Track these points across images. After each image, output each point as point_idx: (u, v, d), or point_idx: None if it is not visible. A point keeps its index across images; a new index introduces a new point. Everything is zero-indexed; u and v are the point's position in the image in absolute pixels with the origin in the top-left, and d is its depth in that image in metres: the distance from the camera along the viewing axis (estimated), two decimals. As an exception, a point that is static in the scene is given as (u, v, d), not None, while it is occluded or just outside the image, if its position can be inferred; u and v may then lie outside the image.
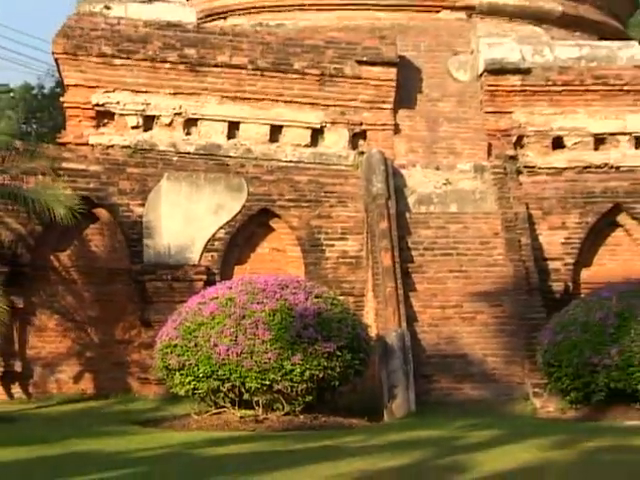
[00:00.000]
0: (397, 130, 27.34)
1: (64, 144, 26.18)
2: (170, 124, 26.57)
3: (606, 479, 14.98)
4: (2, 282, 22.19)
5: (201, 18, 28.28)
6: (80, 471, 15.88)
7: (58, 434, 19.35)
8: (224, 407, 20.56)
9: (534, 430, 19.20)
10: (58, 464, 16.64)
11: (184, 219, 25.32)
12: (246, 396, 20.29)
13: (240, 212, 25.54)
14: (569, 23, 30.87)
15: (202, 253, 25.18)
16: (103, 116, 26.44)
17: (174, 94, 26.65)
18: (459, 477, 15.19)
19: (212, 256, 25.23)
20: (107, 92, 26.43)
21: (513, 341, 23.63)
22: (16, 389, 24.43)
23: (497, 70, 27.51)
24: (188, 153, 26.25)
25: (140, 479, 15.35)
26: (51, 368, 24.92)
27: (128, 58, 26.57)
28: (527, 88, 27.49)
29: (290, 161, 26.54)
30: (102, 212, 25.33)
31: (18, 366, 24.47)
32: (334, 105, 27.12)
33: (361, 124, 27.17)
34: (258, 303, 20.40)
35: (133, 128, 26.43)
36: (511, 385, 22.92)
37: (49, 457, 17.33)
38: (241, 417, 20.31)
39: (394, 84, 27.20)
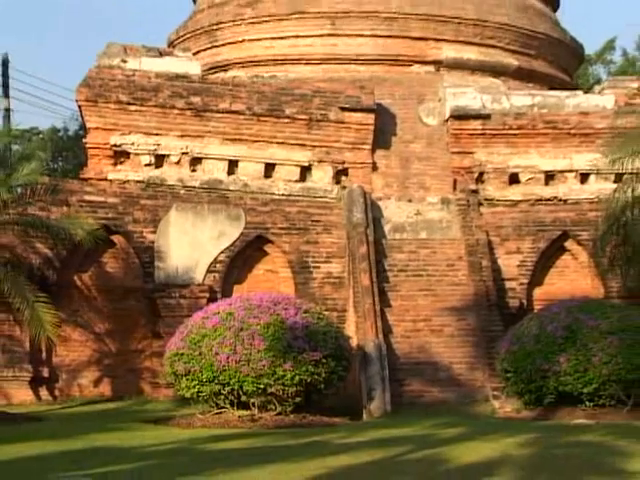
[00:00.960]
0: (375, 168, 27.38)
1: (86, 179, 26.19)
2: (178, 162, 26.60)
3: (559, 470, 15.01)
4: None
5: (205, 70, 28.31)
6: (99, 463, 15.88)
7: (80, 431, 19.33)
8: (224, 408, 20.58)
9: (494, 428, 19.26)
10: (80, 457, 16.65)
11: (190, 244, 25.31)
12: (243, 398, 20.33)
13: (238, 238, 25.53)
14: (523, 76, 30.98)
15: (206, 274, 25.18)
16: (120, 155, 26.47)
17: (181, 136, 26.68)
18: (435, 469, 15.25)
19: (214, 276, 25.22)
20: (123, 134, 26.45)
21: (475, 350, 23.64)
22: (43, 392, 24.38)
23: (461, 116, 27.58)
24: (194, 187, 26.27)
25: (152, 470, 15.37)
26: (74, 374, 24.88)
27: (142, 105, 26.61)
28: (487, 131, 27.57)
29: (282, 194, 26.56)
30: (119, 238, 25.31)
31: (45, 372, 24.49)
32: (320, 146, 27.16)
33: (343, 162, 27.21)
34: (254, 317, 20.47)
35: (146, 165, 26.45)
36: (473, 388, 22.92)
37: (72, 451, 17.32)
38: (239, 416, 20.34)
39: (372, 128, 27.27)
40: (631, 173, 23.90)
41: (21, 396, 23.95)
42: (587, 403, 20.97)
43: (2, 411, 21.91)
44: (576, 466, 15.17)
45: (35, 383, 24.28)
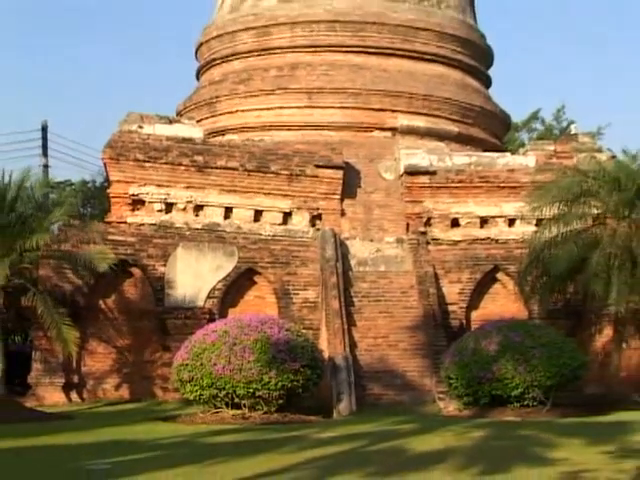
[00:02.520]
0: (343, 214, 27.35)
1: (109, 222, 26.12)
2: (184, 209, 26.52)
3: (495, 457, 14.98)
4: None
5: (206, 135, 28.28)
6: (119, 453, 15.83)
7: (103, 427, 19.34)
8: (221, 408, 20.52)
9: (441, 424, 19.30)
10: (103, 448, 16.64)
11: (193, 275, 25.24)
12: (236, 400, 20.30)
13: (233, 270, 25.49)
14: (463, 140, 31.06)
15: (206, 299, 25.11)
16: (137, 203, 26.38)
17: (187, 187, 26.63)
18: (396, 457, 15.22)
19: (213, 301, 25.15)
20: (140, 186, 26.39)
21: (424, 361, 23.60)
22: (74, 395, 24.26)
23: (413, 172, 27.59)
24: (196, 229, 26.20)
25: (162, 460, 15.29)
26: (99, 380, 24.75)
27: (155, 162, 26.57)
28: (434, 185, 27.58)
29: (268, 235, 26.51)
30: (136, 270, 25.24)
31: (75, 379, 24.40)
32: (299, 196, 27.13)
33: (318, 209, 27.17)
34: (245, 334, 20.46)
35: (158, 211, 26.37)
36: (423, 392, 22.87)
37: (96, 442, 17.32)
38: (233, 415, 20.30)
39: (341, 182, 27.26)
40: (548, 218, 24.00)
41: (55, 398, 23.82)
42: (515, 404, 21.01)
43: (39, 410, 21.81)
44: (508, 455, 15.17)
45: (67, 388, 24.18)
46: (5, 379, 21.66)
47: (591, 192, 23.64)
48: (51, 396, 23.87)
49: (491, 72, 34.22)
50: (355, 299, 25.09)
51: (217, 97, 31.36)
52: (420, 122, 30.33)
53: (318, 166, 27.21)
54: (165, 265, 25.25)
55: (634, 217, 23.03)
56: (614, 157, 27.46)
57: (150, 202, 26.45)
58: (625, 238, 22.52)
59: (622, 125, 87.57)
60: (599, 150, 28.78)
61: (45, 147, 45.75)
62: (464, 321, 25.63)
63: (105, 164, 27.22)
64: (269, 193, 27.05)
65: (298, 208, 27.16)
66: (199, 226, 26.34)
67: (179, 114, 31.73)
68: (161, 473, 13.82)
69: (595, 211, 23.72)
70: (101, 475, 13.60)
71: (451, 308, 25.63)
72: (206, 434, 18.26)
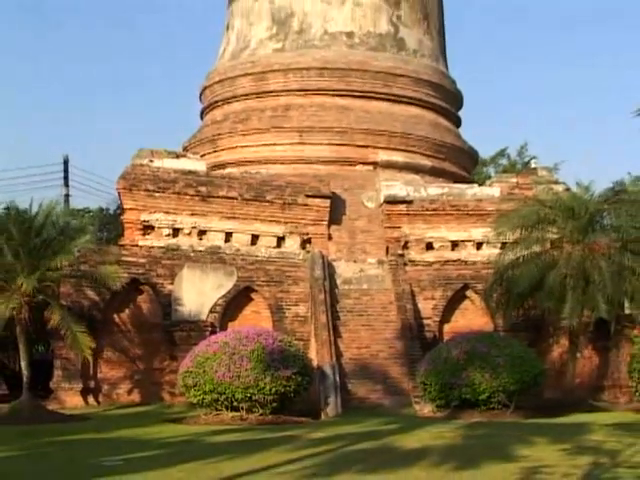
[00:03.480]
0: (330, 238, 27.35)
1: (123, 245, 26.09)
2: (189, 233, 26.49)
3: (466, 454, 14.99)
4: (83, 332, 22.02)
5: (209, 168, 28.29)
6: (131, 450, 15.82)
7: (117, 427, 19.30)
8: (221, 410, 20.45)
9: (418, 425, 19.30)
10: (117, 445, 16.64)
11: (197, 293, 25.18)
12: (235, 403, 20.26)
13: (232, 288, 25.44)
14: (436, 173, 31.14)
15: (208, 314, 25.05)
16: (147, 228, 26.35)
17: (192, 215, 26.61)
18: (381, 454, 15.26)
19: (215, 316, 25.09)
20: (150, 213, 26.37)
21: (402, 369, 23.59)
22: (90, 399, 24.16)
23: (392, 201, 27.64)
24: (200, 251, 26.17)
25: (169, 456, 15.28)
26: (113, 385, 24.66)
27: (163, 192, 26.56)
28: (410, 213, 27.62)
29: (264, 257, 26.49)
30: (146, 288, 25.18)
31: (92, 384, 24.31)
32: (291, 222, 27.14)
33: (307, 234, 27.18)
34: (243, 345, 20.45)
35: (166, 236, 26.32)
36: (401, 396, 22.84)
37: (111, 441, 17.33)
38: (232, 417, 20.24)
39: (328, 210, 27.27)
40: (511, 242, 24.09)
41: (74, 402, 23.73)
42: (482, 407, 21.02)
43: (60, 412, 21.76)
44: (477, 452, 15.22)
45: (84, 392, 24.07)
46: (30, 385, 21.57)
47: (549, 219, 23.74)
48: (70, 400, 23.78)
49: (462, 113, 34.38)
50: (341, 314, 25.08)
51: (219, 135, 31.40)
52: (398, 157, 30.40)
53: (308, 196, 27.22)
54: (172, 283, 25.21)
55: (587, 242, 23.12)
56: (568, 189, 27.57)
57: (159, 227, 26.42)
58: (579, 260, 22.60)
59: (577, 161, 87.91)
60: (556, 182, 28.86)
61: (66, 178, 45.82)
62: (437, 333, 25.60)
63: (119, 193, 27.19)
64: (264, 220, 27.05)
65: (290, 233, 27.17)
66: (202, 249, 26.31)
67: (185, 149, 31.75)
68: (169, 469, 13.83)
69: (552, 236, 23.81)
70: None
71: (426, 322, 25.61)
72: (208, 434, 18.23)
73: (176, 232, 26.52)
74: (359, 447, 16.07)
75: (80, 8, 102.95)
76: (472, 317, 26.24)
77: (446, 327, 26.05)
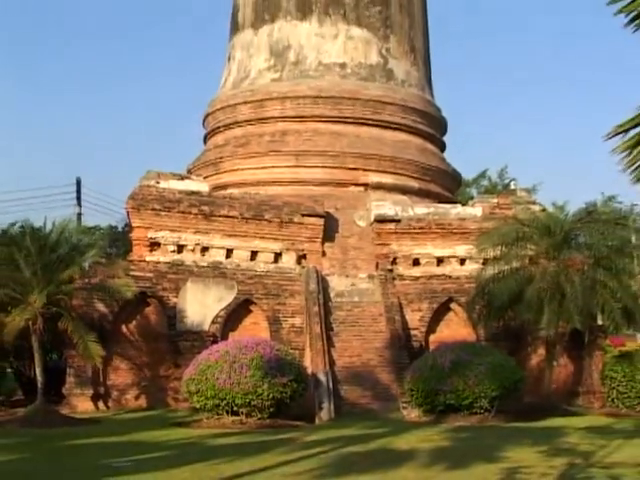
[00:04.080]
0: (324, 254, 27.37)
1: (131, 260, 26.06)
2: (193, 250, 26.48)
3: (452, 455, 15.01)
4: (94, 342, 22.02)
5: (211, 189, 28.32)
6: (138, 452, 15.82)
7: (125, 430, 19.28)
8: (222, 415, 20.41)
9: (405, 429, 19.37)
10: (125, 447, 16.64)
11: (200, 305, 25.17)
12: (235, 408, 20.22)
13: (232, 301, 25.43)
14: (423, 194, 31.16)
15: (210, 324, 25.03)
16: (154, 245, 26.33)
17: (195, 232, 26.60)
18: (372, 455, 15.29)
19: (216, 326, 25.06)
20: (156, 231, 26.36)
21: (391, 376, 23.59)
22: (100, 404, 24.06)
23: (381, 220, 27.68)
24: (203, 267, 26.16)
25: (174, 458, 15.28)
26: (122, 391, 24.57)
27: (169, 211, 26.56)
28: (398, 231, 27.67)
29: (262, 272, 26.48)
30: (153, 300, 25.16)
31: (102, 390, 24.21)
32: (287, 239, 27.16)
33: (303, 250, 27.20)
34: (242, 354, 20.45)
35: (171, 252, 26.32)
36: (390, 402, 22.81)
37: (120, 443, 17.28)
38: (232, 421, 20.20)
39: (322, 228, 27.31)
40: (492, 258, 24.13)
41: (85, 407, 23.64)
42: (465, 412, 21.00)
43: (72, 417, 21.73)
44: (462, 453, 15.29)
45: (95, 398, 23.97)
46: (44, 390, 21.55)
47: (527, 237, 23.79)
48: (82, 405, 23.68)
49: (447, 138, 34.45)
50: (334, 324, 25.09)
51: (221, 158, 31.44)
52: (387, 179, 30.44)
53: (303, 215, 27.26)
54: (177, 296, 25.20)
55: (562, 258, 23.16)
56: (545, 209, 27.67)
57: (165, 244, 26.42)
58: (554, 275, 22.65)
59: (553, 183, 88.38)
60: (534, 203, 28.95)
61: (79, 199, 45.86)
62: (423, 343, 25.60)
63: (128, 213, 27.21)
64: (263, 237, 27.05)
65: (287, 249, 27.19)
66: (205, 264, 26.30)
67: (189, 172, 31.79)
68: (174, 470, 13.85)
69: (530, 253, 23.85)
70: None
71: (413, 332, 25.63)
72: (210, 437, 18.24)
73: (181, 248, 26.51)
74: (351, 449, 16.09)
75: (96, 35, 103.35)
76: (456, 328, 26.26)
77: (432, 337, 26.05)
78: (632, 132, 7.15)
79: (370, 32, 31.82)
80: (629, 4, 7.07)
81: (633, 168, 7.15)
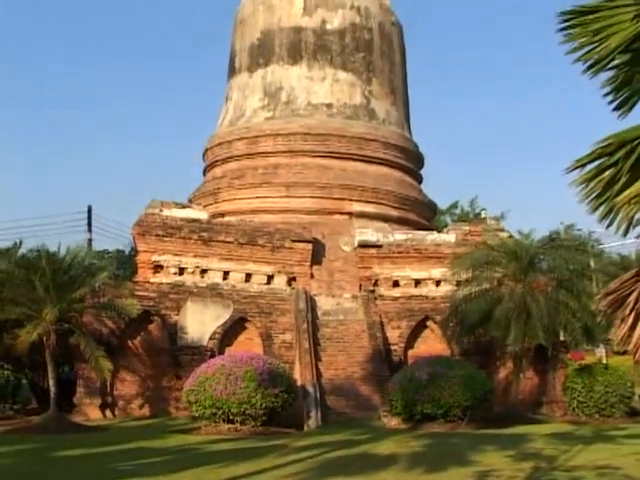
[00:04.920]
0: (312, 276, 27.41)
1: (136, 282, 26.05)
2: (193, 272, 26.50)
3: (428, 458, 15.00)
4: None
5: (210, 216, 28.35)
6: (143, 456, 15.76)
7: (131, 437, 19.20)
8: (219, 423, 20.32)
9: (387, 435, 19.34)
10: (131, 453, 16.56)
11: (199, 322, 25.14)
12: (231, 417, 20.16)
13: (229, 319, 25.40)
14: (402, 221, 31.26)
15: (209, 340, 24.98)
16: (157, 267, 26.36)
17: (195, 256, 26.64)
18: (356, 459, 15.27)
19: (214, 342, 25.00)
20: (160, 255, 26.39)
21: (372, 388, 23.58)
22: (108, 412, 23.95)
23: (364, 245, 27.76)
24: (202, 287, 26.15)
25: (175, 462, 15.24)
26: (127, 401, 24.48)
27: (171, 237, 26.61)
28: (380, 255, 27.73)
29: (256, 292, 26.49)
30: (156, 318, 25.09)
31: (109, 400, 24.13)
32: (279, 263, 27.21)
33: (293, 273, 27.24)
34: (237, 367, 20.41)
35: (173, 274, 26.34)
36: (372, 411, 22.79)
37: (125, 449, 17.20)
38: (228, 428, 20.11)
39: (310, 252, 27.37)
40: (464, 280, 24.20)
41: (94, 415, 23.56)
42: (441, 419, 21.00)
43: (82, 424, 21.66)
44: (437, 457, 15.28)
45: (103, 407, 23.89)
46: (56, 400, 21.49)
47: (496, 261, 23.89)
48: (91, 413, 23.60)
49: (424, 171, 34.64)
50: (321, 340, 25.07)
51: (219, 189, 31.52)
52: (370, 208, 30.56)
53: (293, 241, 27.33)
54: (178, 314, 25.17)
55: (528, 280, 23.25)
56: (511, 236, 27.79)
57: (167, 267, 26.44)
58: (521, 296, 22.73)
59: (520, 211, 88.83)
60: (502, 230, 29.10)
61: (89, 225, 45.80)
62: (402, 357, 25.60)
63: (134, 238, 27.26)
64: (256, 261, 27.10)
65: (278, 272, 27.22)
66: (204, 285, 26.30)
67: (190, 201, 31.84)
68: (175, 473, 13.81)
69: (499, 275, 23.93)
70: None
71: (393, 347, 25.63)
72: (208, 443, 18.18)
73: (181, 271, 26.53)
74: (337, 454, 16.09)
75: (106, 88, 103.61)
76: (432, 344, 26.25)
77: (410, 352, 26.03)
78: (589, 167, 7.24)
79: (354, 76, 32.06)
80: (585, 54, 7.18)
81: (589, 199, 7.23)
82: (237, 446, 17.51)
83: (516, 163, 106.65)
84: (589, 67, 7.26)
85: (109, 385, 24.15)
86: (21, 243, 23.80)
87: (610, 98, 7.41)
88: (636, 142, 7.03)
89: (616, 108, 7.42)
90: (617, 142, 7.12)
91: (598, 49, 7.12)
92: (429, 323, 26.51)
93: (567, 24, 7.17)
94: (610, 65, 7.22)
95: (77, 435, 19.70)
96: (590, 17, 7.08)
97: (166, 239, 26.62)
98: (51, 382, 21.65)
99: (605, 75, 7.32)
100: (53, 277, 21.44)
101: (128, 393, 24.62)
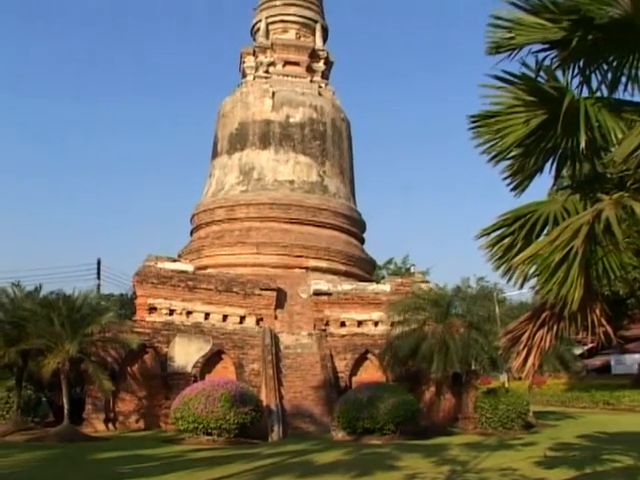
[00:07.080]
0: (276, 318, 27.42)
1: (135, 320, 25.87)
2: (180, 313, 26.39)
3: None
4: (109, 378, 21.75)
5: (195, 269, 28.32)
6: (138, 462, 15.54)
7: (127, 445, 18.92)
8: (199, 435, 20.08)
9: (334, 445, 19.23)
10: (127, 458, 16.32)
11: (185, 354, 24.96)
12: (209, 430, 19.95)
13: (209, 351, 25.25)
14: (348, 274, 31.44)
15: (192, 368, 24.77)
16: (152, 309, 26.21)
17: (182, 300, 26.55)
18: (310, 465, 15.18)
19: (196, 369, 24.78)
20: (154, 299, 26.26)
21: (324, 408, 23.52)
22: (110, 425, 23.54)
23: (318, 293, 27.87)
24: (187, 326, 26.00)
25: (164, 467, 15.06)
26: (126, 416, 24.10)
27: (164, 285, 26.52)
28: (330, 301, 27.83)
29: (231, 330, 26.37)
30: (150, 349, 24.84)
31: (112, 415, 23.73)
32: (250, 307, 27.20)
33: (260, 315, 27.23)
34: (215, 390, 20.29)
35: (164, 314, 26.20)
36: (323, 426, 22.70)
37: (124, 455, 16.94)
38: (207, 439, 19.90)
39: (275, 298, 27.42)
40: (397, 322, 24.35)
41: (100, 427, 23.15)
42: (378, 433, 20.93)
43: (89, 435, 21.31)
44: (373, 463, 15.24)
45: (106, 421, 23.50)
46: (69, 415, 21.14)
47: (421, 307, 24.07)
48: (97, 426, 23.20)
49: (366, 234, 34.98)
50: (283, 369, 24.99)
51: (202, 246, 31.52)
52: (323, 264, 30.75)
53: (262, 289, 27.37)
54: (168, 347, 24.97)
55: (446, 322, 23.48)
56: (431, 289, 28.10)
57: (160, 309, 26.30)
58: (441, 334, 22.90)
59: (444, 265, 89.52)
60: (427, 282, 29.39)
61: (99, 273, 45.40)
62: (348, 383, 25.55)
63: (134, 285, 27.09)
64: (232, 305, 27.07)
65: (249, 314, 27.20)
66: (189, 324, 26.17)
67: (179, 256, 31.76)
68: (164, 475, 13.67)
69: (424, 318, 24.13)
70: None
71: (340, 375, 25.60)
72: (191, 451, 17.99)
73: (171, 312, 26.40)
74: (294, 460, 16.04)
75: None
76: (371, 372, 26.27)
77: (354, 379, 26.01)
78: (493, 234, 7.50)
79: (312, 159, 32.49)
80: (489, 147, 7.50)
81: (493, 260, 7.49)
82: (214, 454, 17.35)
83: (441, 229, 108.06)
84: (492, 157, 7.56)
85: (112, 403, 23.80)
86: (41, 287, 23.59)
87: (508, 181, 7.72)
88: (528, 216, 7.32)
89: (513, 189, 7.73)
90: (514, 216, 7.41)
91: (499, 144, 7.43)
92: (369, 355, 26.57)
93: (475, 124, 7.47)
94: (508, 156, 7.54)
95: (86, 444, 19.41)
96: (492, 120, 7.41)
97: (159, 286, 26.52)
98: (65, 400, 21.31)
99: (504, 164, 7.62)
100: (68, 315, 21.29)
101: (127, 410, 24.27)
